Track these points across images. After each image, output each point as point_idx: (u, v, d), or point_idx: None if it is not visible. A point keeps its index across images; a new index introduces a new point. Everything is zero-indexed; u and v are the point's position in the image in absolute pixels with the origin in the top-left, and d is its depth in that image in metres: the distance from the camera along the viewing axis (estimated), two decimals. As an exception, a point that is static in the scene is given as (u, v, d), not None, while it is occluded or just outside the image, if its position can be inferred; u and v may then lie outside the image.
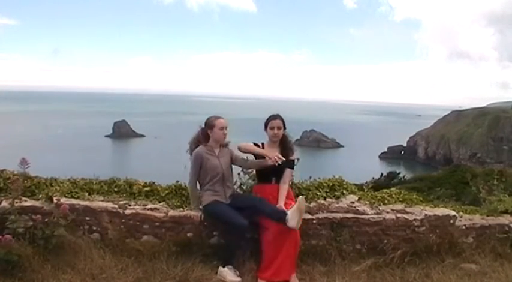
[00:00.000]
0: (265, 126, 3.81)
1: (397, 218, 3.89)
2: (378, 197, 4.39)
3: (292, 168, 3.78)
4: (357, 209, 3.89)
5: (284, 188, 3.66)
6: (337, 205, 3.92)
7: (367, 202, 4.12)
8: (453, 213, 4.05)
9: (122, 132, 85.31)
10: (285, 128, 3.79)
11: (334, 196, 4.13)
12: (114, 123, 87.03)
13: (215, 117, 3.73)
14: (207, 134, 3.73)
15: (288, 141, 3.81)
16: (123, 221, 3.68)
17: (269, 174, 3.70)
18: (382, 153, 73.62)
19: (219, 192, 3.66)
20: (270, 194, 3.66)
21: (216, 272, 3.43)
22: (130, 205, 3.80)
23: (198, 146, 3.74)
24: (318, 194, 4.12)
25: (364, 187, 4.86)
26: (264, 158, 3.61)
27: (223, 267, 3.43)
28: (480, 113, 73.48)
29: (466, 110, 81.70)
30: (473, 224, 4.12)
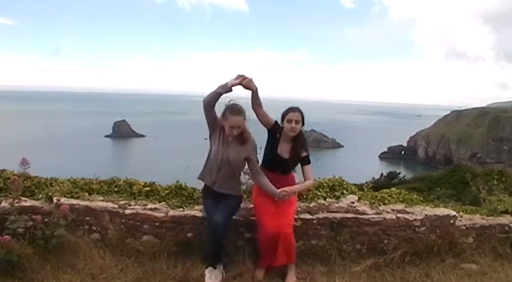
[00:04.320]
0: (282, 118, 3.49)
1: (397, 218, 3.89)
2: (378, 197, 4.39)
3: (309, 163, 3.58)
4: (357, 209, 3.89)
5: (308, 185, 3.54)
6: (337, 205, 3.91)
7: (367, 202, 4.12)
8: (453, 213, 4.05)
9: (122, 132, 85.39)
10: (303, 124, 3.50)
11: (334, 196, 4.13)
12: (114, 123, 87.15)
13: (231, 112, 3.33)
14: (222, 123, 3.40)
15: (302, 139, 3.53)
16: (123, 221, 3.67)
17: (275, 166, 3.53)
18: (382, 153, 73.66)
19: (210, 175, 3.44)
20: (273, 183, 3.45)
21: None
22: (130, 205, 3.79)
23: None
24: (318, 194, 4.11)
25: (364, 187, 4.86)
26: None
27: (206, 267, 3.35)
28: (480, 113, 73.50)
29: (466, 110, 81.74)
30: (474, 224, 4.12)
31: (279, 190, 3.35)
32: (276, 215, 3.41)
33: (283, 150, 3.50)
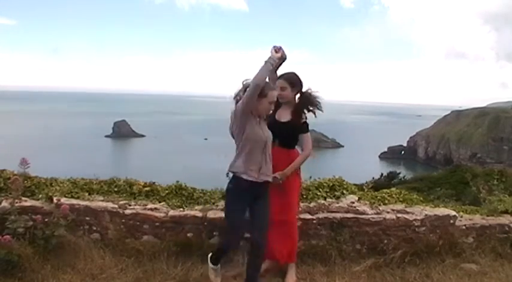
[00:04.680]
0: None
1: (397, 218, 3.88)
2: (378, 197, 4.39)
3: (306, 132, 3.40)
4: (357, 209, 3.89)
5: (303, 155, 3.39)
6: (337, 205, 3.91)
7: (367, 202, 4.12)
8: (453, 213, 4.05)
9: (122, 132, 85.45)
10: (301, 87, 3.39)
11: (334, 196, 4.13)
12: (114, 123, 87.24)
13: (269, 88, 3.02)
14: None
15: (304, 102, 3.41)
16: (123, 221, 3.68)
17: (274, 134, 3.33)
18: (382, 153, 73.72)
19: (256, 161, 3.00)
20: (276, 159, 3.29)
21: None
22: (130, 205, 3.80)
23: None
24: (318, 194, 4.12)
25: (364, 187, 4.87)
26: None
27: (213, 264, 3.27)
28: (480, 113, 73.54)
29: (466, 110, 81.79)
30: (474, 224, 4.12)
31: (272, 176, 3.22)
32: (276, 207, 3.29)
33: (282, 114, 3.41)
